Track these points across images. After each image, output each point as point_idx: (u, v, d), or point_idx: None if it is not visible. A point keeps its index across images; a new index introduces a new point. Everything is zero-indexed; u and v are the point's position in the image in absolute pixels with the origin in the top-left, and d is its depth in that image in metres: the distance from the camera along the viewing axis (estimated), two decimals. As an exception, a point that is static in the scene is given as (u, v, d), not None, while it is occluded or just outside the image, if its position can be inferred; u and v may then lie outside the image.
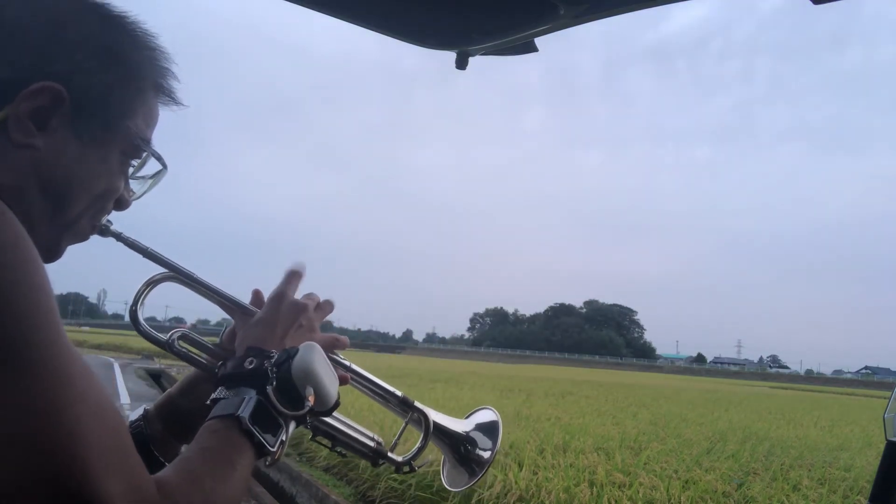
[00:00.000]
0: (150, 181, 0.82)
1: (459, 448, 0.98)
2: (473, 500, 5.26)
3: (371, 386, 0.94)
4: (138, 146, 0.75)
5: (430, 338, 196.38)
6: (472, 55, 1.27)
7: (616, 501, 5.13)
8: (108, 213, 0.77)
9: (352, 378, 0.90)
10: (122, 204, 0.78)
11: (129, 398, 12.86)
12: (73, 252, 0.74)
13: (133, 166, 0.77)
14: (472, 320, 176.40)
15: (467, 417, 1.03)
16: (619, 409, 13.70)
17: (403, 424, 0.97)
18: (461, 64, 1.27)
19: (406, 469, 0.94)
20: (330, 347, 0.86)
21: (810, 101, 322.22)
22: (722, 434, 9.90)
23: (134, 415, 0.91)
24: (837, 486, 6.41)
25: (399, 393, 0.96)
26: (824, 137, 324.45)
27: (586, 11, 1.08)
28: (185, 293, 0.87)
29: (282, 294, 0.85)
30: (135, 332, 0.83)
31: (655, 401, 17.51)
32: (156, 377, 18.70)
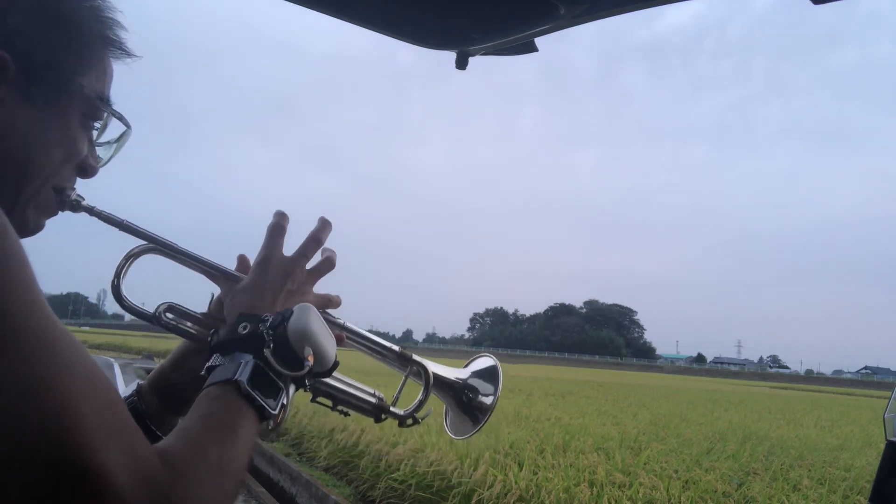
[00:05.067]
0: (114, 145, 0.77)
1: (461, 397, 0.97)
2: (474, 500, 5.26)
3: (367, 343, 0.92)
4: (96, 105, 0.71)
5: (430, 338, 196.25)
6: (472, 55, 1.26)
7: (616, 501, 5.13)
8: (73, 182, 0.73)
9: (347, 337, 0.88)
10: (86, 171, 0.74)
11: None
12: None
13: (96, 129, 0.73)
14: (472, 320, 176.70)
15: (465, 367, 1.02)
16: (619, 409, 13.70)
17: (403, 378, 0.95)
18: (461, 64, 1.27)
19: (409, 422, 0.92)
20: (323, 307, 0.84)
21: (808, 99, 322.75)
22: (722, 434, 9.91)
23: (128, 390, 0.88)
24: (837, 486, 6.41)
25: (396, 347, 0.94)
26: (822, 136, 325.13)
27: (586, 11, 1.08)
28: (174, 279, 0.83)
29: (267, 258, 0.81)
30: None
31: (655, 401, 17.52)
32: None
